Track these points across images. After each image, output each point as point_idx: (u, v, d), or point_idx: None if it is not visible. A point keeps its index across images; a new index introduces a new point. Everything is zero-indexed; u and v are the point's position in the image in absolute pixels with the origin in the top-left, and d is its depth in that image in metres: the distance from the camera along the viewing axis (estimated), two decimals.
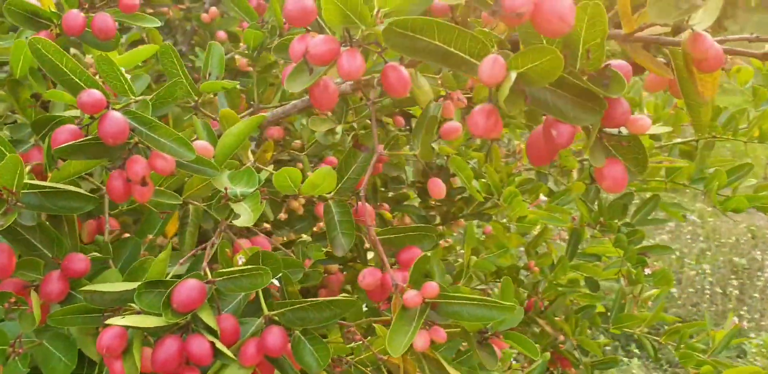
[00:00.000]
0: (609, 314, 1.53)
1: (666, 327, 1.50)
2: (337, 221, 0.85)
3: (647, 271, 1.34)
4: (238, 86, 0.98)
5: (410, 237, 0.82)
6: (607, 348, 3.42)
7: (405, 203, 1.54)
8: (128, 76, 0.90)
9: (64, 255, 0.75)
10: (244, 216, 0.72)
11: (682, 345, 1.45)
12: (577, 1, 0.65)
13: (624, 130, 0.63)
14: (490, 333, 0.77)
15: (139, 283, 0.67)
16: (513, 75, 0.55)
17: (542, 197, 1.32)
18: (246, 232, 0.98)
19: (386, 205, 1.41)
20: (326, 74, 0.64)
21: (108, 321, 0.64)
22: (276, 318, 0.73)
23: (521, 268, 1.59)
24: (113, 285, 0.70)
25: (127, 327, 0.66)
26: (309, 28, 0.65)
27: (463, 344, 1.18)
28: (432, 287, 0.70)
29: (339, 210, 0.85)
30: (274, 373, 0.76)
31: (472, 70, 0.58)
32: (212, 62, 0.87)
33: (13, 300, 0.70)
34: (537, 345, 1.59)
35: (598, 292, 1.58)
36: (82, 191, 0.70)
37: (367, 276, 0.77)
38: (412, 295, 0.69)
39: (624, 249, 1.33)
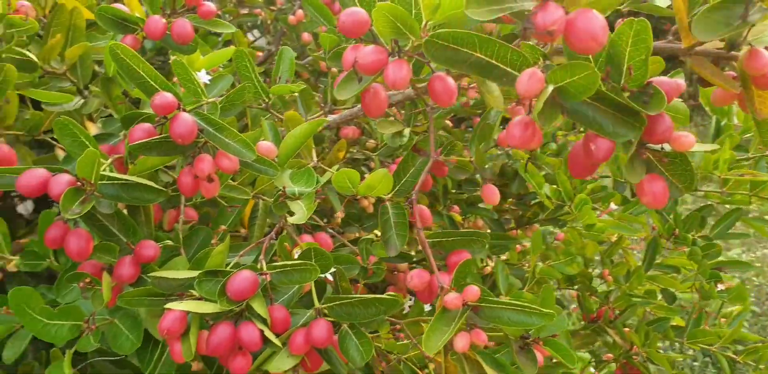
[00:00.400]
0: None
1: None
2: (392, 223, 0.88)
3: (720, 287, 1.30)
4: (310, 87, 1.03)
5: (460, 241, 0.84)
6: (695, 363, 3.29)
7: (479, 206, 1.55)
8: (209, 77, 0.96)
9: (138, 241, 0.82)
10: (298, 214, 0.77)
11: (761, 366, 1.40)
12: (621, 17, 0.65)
13: (667, 147, 0.63)
14: (531, 339, 0.78)
15: (200, 272, 0.73)
16: (549, 88, 0.56)
17: (613, 205, 1.31)
18: (310, 228, 1.02)
19: (456, 207, 1.43)
20: (375, 82, 0.68)
21: (167, 306, 0.70)
22: (326, 311, 0.77)
23: (595, 277, 1.57)
24: (178, 272, 0.76)
25: (186, 312, 0.72)
26: (363, 39, 0.68)
27: None
28: (473, 291, 0.72)
29: (395, 212, 0.88)
30: (322, 364, 0.80)
31: (513, 83, 0.59)
32: (282, 66, 0.92)
33: (88, 280, 0.77)
34: (610, 355, 1.57)
35: (676, 306, 1.55)
36: (153, 184, 0.77)
37: (415, 278, 0.80)
38: (452, 297, 0.71)
39: (698, 262, 1.29)
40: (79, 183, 0.73)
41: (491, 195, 0.88)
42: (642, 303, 1.49)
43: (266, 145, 0.82)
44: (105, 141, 0.92)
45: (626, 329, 1.44)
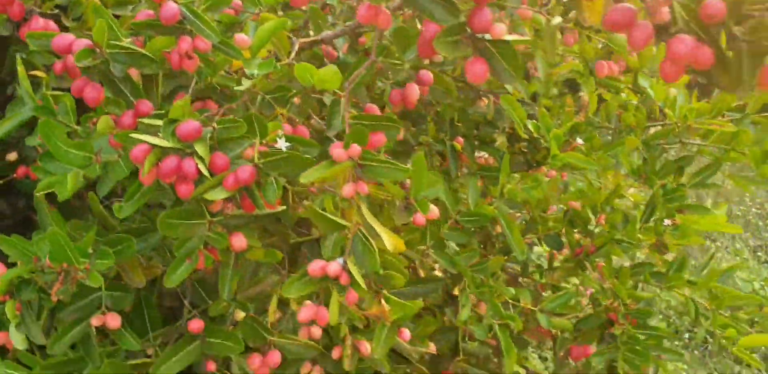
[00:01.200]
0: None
1: None
2: (341, 112, 1.10)
3: (667, 222, 1.41)
4: None
5: (379, 125, 1.04)
6: None
7: (493, 146, 1.73)
8: None
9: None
10: (245, 85, 1.01)
11: (720, 311, 1.49)
12: None
13: (488, 36, 0.81)
14: (409, 200, 0.98)
15: (165, 119, 0.99)
16: None
17: (579, 140, 1.44)
18: (297, 121, 1.26)
19: (460, 139, 1.61)
20: None
21: (133, 135, 0.96)
22: (260, 165, 1.01)
23: (591, 221, 1.70)
24: (157, 120, 1.02)
25: (151, 146, 0.98)
26: None
27: None
28: (356, 148, 0.93)
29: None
30: (254, 210, 1.04)
31: None
32: None
33: (95, 120, 1.05)
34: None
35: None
36: (150, 55, 1.03)
37: (335, 149, 1.01)
38: (339, 152, 0.93)
39: (659, 204, 1.40)
40: (95, 48, 1.01)
41: (410, 94, 1.08)
42: (625, 248, 1.61)
43: (242, 37, 1.07)
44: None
45: (600, 264, 1.57)
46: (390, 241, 0.95)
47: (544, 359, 3.03)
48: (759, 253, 3.87)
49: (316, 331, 1.20)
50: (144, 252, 1.10)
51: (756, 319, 1.53)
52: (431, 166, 1.67)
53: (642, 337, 1.47)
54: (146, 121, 1.02)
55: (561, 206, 1.80)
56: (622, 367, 1.43)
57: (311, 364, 1.33)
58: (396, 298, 1.06)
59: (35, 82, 1.33)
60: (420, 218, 1.00)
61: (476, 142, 1.70)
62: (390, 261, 1.09)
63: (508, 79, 0.84)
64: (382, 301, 1.10)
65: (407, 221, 0.99)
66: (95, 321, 1.08)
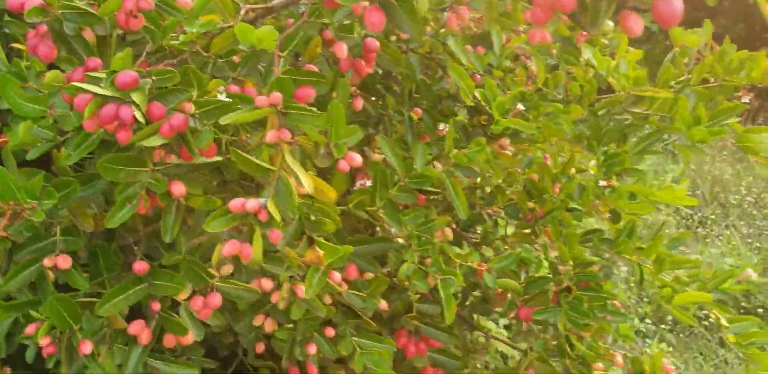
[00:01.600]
0: None
1: None
2: (278, 71, 1.18)
3: (603, 183, 1.46)
4: None
5: (308, 81, 1.11)
6: None
7: (456, 118, 1.80)
8: None
9: None
10: (181, 39, 1.09)
11: (663, 274, 1.54)
12: None
13: None
14: (330, 147, 1.06)
15: (107, 72, 1.07)
16: None
17: (520, 106, 1.50)
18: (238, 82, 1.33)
19: (418, 110, 1.68)
20: None
21: (75, 83, 1.04)
22: (197, 114, 1.09)
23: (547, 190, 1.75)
24: (103, 74, 1.11)
25: (93, 95, 1.06)
26: None
27: None
28: (277, 95, 1.00)
29: (283, 64, 1.18)
30: (192, 158, 1.12)
31: None
32: None
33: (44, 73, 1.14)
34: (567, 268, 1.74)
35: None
36: (96, 14, 1.12)
37: (259, 99, 1.08)
38: (261, 99, 1.01)
39: (600, 169, 1.46)
40: (47, 7, 1.10)
41: (339, 51, 1.15)
42: (576, 215, 1.66)
43: (185, 0, 1.15)
44: None
45: (548, 229, 1.63)
46: (310, 184, 1.02)
47: None
48: (749, 240, 3.89)
49: (267, 283, 1.29)
50: (92, 197, 1.18)
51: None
52: (391, 136, 1.74)
53: (587, 298, 1.52)
54: (93, 74, 1.10)
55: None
56: (564, 325, 1.49)
57: (264, 316, 1.42)
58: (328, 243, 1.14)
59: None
60: (343, 164, 1.07)
61: (438, 116, 1.77)
62: (322, 209, 1.17)
63: (407, 28, 0.90)
64: (316, 247, 1.18)
65: (328, 165, 1.06)
66: (47, 261, 1.16)
